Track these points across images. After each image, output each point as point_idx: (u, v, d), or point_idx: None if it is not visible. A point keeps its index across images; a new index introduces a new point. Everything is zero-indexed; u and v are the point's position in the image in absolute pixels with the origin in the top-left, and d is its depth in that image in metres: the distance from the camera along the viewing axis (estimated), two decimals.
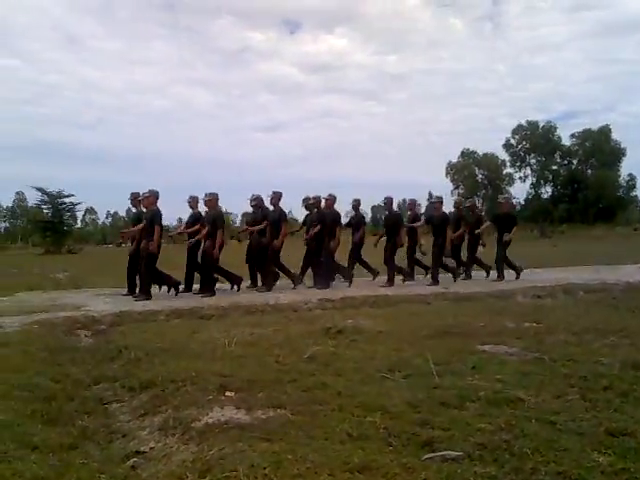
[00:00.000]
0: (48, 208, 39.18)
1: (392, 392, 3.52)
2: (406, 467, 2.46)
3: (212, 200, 9.38)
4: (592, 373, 3.87)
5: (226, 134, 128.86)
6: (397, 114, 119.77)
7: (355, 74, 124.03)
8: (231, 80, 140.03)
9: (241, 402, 3.37)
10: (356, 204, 11.22)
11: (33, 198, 42.73)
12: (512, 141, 61.97)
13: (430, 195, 49.43)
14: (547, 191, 62.84)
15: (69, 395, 3.76)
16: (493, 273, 11.09)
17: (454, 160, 65.22)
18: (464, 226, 11.24)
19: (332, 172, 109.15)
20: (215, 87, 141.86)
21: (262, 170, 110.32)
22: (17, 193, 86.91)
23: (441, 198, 11.11)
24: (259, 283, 10.07)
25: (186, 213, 9.95)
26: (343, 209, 12.33)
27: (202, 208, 9.69)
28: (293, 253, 10.96)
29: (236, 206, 60.27)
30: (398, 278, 10.57)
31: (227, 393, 3.57)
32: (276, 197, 9.81)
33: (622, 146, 58.24)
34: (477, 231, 11.21)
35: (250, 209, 10.40)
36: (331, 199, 10.25)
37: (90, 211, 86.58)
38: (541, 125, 60.48)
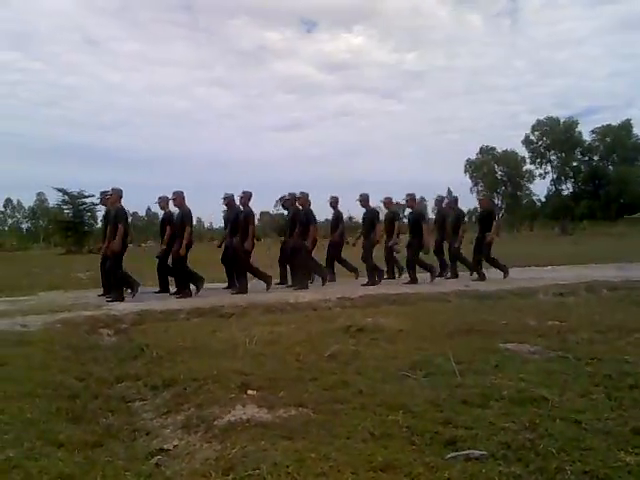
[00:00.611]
0: (69, 208, 39.88)
1: (414, 391, 3.51)
2: (429, 466, 2.44)
3: (178, 198, 9.24)
4: (617, 371, 3.80)
5: (244, 134, 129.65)
6: (416, 112, 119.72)
7: (373, 72, 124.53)
8: (249, 80, 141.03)
9: (263, 400, 3.38)
10: (333, 201, 10.82)
11: (54, 199, 43.73)
12: (532, 137, 61.45)
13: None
14: (568, 187, 62.37)
15: (93, 393, 3.80)
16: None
17: (473, 157, 64.84)
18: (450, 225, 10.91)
19: (351, 171, 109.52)
20: (233, 87, 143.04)
21: (281, 169, 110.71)
22: (38, 194, 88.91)
23: (413, 195, 10.60)
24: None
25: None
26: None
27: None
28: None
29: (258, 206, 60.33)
30: (422, 276, 10.35)
31: (249, 391, 3.58)
32: (246, 197, 9.57)
33: None
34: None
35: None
36: (303, 197, 9.99)
37: None
38: (562, 121, 59.83)
